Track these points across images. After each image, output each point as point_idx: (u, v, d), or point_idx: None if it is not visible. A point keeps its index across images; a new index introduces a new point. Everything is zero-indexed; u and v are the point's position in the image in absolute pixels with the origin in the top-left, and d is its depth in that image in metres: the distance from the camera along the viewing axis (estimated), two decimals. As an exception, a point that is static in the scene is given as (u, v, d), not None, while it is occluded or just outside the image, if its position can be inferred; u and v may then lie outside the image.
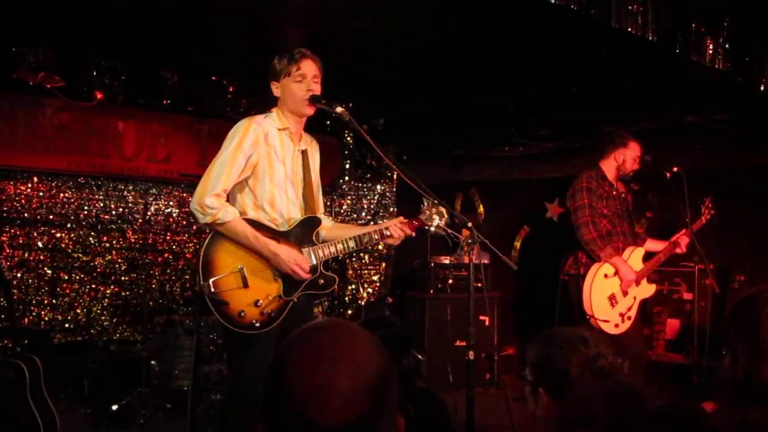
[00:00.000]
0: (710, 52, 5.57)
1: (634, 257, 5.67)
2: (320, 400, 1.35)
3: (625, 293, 5.53)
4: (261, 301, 3.74)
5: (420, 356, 2.51)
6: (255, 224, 3.81)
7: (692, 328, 6.69)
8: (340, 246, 3.95)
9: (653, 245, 5.88)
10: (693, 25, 5.52)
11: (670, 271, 7.36)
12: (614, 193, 5.73)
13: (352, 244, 3.96)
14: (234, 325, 3.71)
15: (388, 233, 3.99)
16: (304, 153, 4.09)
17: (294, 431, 1.37)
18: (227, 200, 3.86)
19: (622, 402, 1.59)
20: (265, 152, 3.87)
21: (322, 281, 3.97)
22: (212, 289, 3.66)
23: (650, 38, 5.28)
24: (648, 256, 5.80)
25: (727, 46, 5.56)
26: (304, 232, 3.93)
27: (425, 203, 4.04)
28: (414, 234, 4.10)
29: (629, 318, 5.54)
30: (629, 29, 5.19)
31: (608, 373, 2.45)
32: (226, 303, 3.68)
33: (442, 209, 4.04)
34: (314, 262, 3.91)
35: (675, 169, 5.74)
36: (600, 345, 2.55)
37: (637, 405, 1.51)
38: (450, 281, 8.14)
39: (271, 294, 3.79)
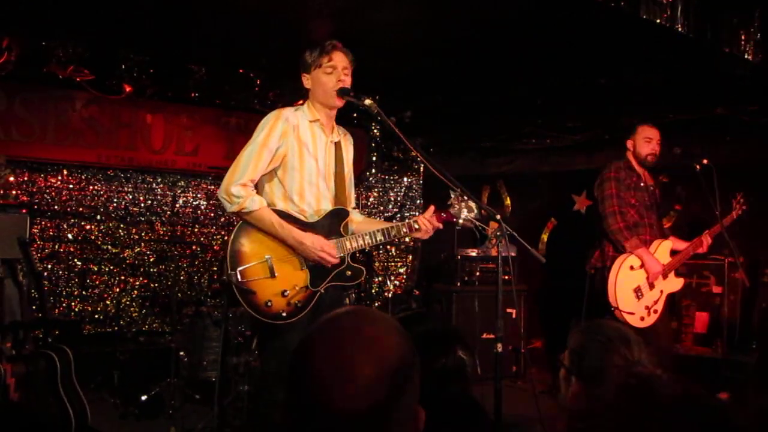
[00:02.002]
0: (742, 43, 5.52)
1: (662, 250, 5.61)
2: (340, 385, 1.35)
3: (651, 286, 5.47)
4: (288, 291, 3.74)
5: (464, 356, 2.46)
6: (282, 215, 3.80)
7: (721, 322, 6.64)
8: (368, 238, 3.93)
9: (676, 244, 5.81)
10: (724, 17, 5.47)
11: (699, 264, 7.30)
12: (642, 184, 5.67)
13: (380, 236, 3.95)
14: (261, 314, 3.72)
15: (417, 226, 3.97)
16: (337, 145, 4.09)
17: (312, 416, 1.37)
18: (256, 191, 3.88)
19: (634, 392, 1.59)
20: (295, 145, 3.87)
21: (350, 273, 3.96)
22: (239, 278, 3.66)
23: (679, 29, 5.25)
24: (673, 253, 5.74)
25: (758, 36, 5.50)
26: (331, 224, 3.92)
27: (453, 195, 4.02)
28: (441, 226, 4.09)
29: (655, 312, 5.49)
30: (658, 21, 5.16)
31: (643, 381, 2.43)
32: (253, 292, 3.68)
33: (471, 202, 4.03)
34: (342, 253, 3.90)
35: (704, 161, 5.68)
36: (641, 348, 2.53)
37: (648, 395, 1.50)
38: (477, 273, 8.13)
39: (298, 284, 3.79)
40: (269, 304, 3.70)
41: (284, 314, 3.74)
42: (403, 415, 1.42)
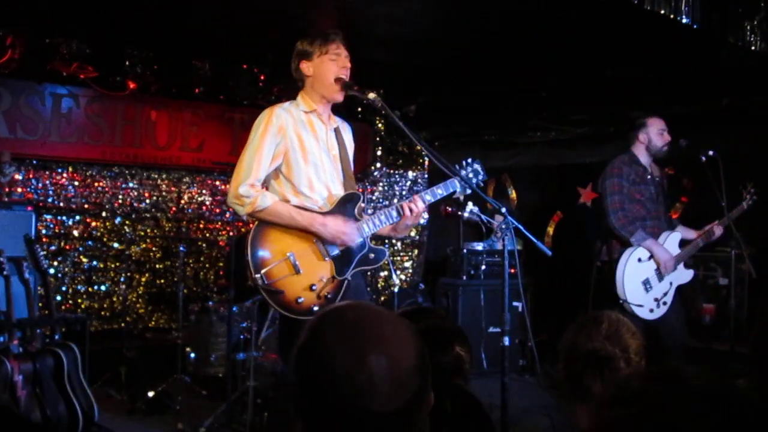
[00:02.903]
0: (747, 33, 5.49)
1: (671, 242, 5.59)
2: (372, 389, 1.35)
3: (660, 278, 5.46)
4: (316, 285, 3.70)
5: (462, 353, 2.49)
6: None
7: (728, 314, 6.61)
8: (383, 217, 3.92)
9: (686, 233, 5.79)
10: (729, 7, 5.44)
11: (705, 255, 7.27)
12: (648, 177, 5.66)
13: (394, 213, 3.93)
14: (293, 312, 3.67)
15: (429, 198, 3.96)
16: (336, 131, 4.07)
17: (347, 423, 1.38)
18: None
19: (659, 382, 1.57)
20: (294, 138, 3.84)
21: (373, 255, 3.93)
22: (265, 281, 3.62)
23: (684, 20, 5.22)
24: (683, 243, 5.72)
25: (764, 26, 5.48)
26: (345, 210, 3.89)
27: (458, 189, 4.01)
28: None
29: (665, 303, 5.47)
30: (663, 12, 5.14)
31: (596, 359, 2.43)
32: (282, 292, 3.64)
33: (473, 188, 4.01)
34: (361, 237, 3.88)
35: (710, 153, 5.66)
36: (618, 330, 2.51)
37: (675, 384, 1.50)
38: (483, 267, 8.11)
39: (324, 276, 3.76)
40: (300, 300, 3.67)
41: (316, 308, 3.68)
42: (426, 404, 1.46)
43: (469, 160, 4.14)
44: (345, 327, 1.45)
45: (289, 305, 3.67)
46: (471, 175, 4.09)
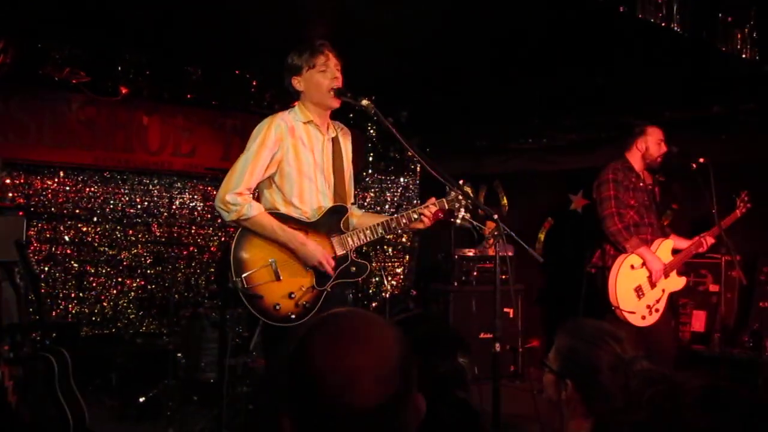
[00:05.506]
0: (738, 41, 5.53)
1: (663, 249, 5.61)
2: (352, 384, 1.39)
3: (653, 285, 5.48)
4: (295, 293, 3.76)
5: (462, 363, 2.49)
6: (284, 218, 3.83)
7: (719, 320, 6.63)
8: (368, 232, 3.95)
9: (677, 242, 5.80)
10: (720, 15, 5.48)
11: (695, 262, 7.29)
12: (641, 184, 5.67)
13: (380, 230, 3.95)
14: (270, 318, 3.73)
15: (416, 217, 3.98)
16: (334, 140, 4.10)
17: (328, 419, 1.41)
18: (257, 200, 3.89)
19: (660, 389, 1.58)
20: (290, 145, 3.88)
21: (354, 269, 3.97)
22: (245, 285, 3.68)
23: (675, 29, 5.26)
24: (675, 251, 5.73)
25: (754, 35, 5.52)
26: (331, 221, 3.93)
27: (450, 195, 4.03)
28: (442, 216, 4.09)
29: (657, 310, 5.49)
30: (653, 20, 5.17)
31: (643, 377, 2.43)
32: (261, 297, 3.69)
33: (468, 201, 4.03)
34: (344, 250, 3.92)
35: (701, 160, 5.68)
36: (627, 341, 2.53)
37: (675, 389, 1.52)
38: (474, 273, 8.13)
39: (304, 285, 3.81)
40: (277, 307, 3.72)
41: (293, 316, 3.76)
42: (410, 405, 1.49)
43: (461, 182, 4.15)
44: (333, 329, 1.49)
45: (266, 311, 3.72)
46: (461, 208, 4.11)
